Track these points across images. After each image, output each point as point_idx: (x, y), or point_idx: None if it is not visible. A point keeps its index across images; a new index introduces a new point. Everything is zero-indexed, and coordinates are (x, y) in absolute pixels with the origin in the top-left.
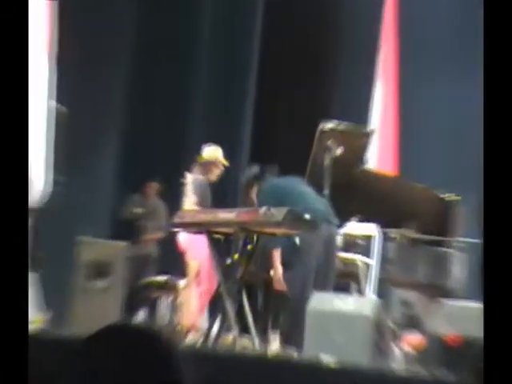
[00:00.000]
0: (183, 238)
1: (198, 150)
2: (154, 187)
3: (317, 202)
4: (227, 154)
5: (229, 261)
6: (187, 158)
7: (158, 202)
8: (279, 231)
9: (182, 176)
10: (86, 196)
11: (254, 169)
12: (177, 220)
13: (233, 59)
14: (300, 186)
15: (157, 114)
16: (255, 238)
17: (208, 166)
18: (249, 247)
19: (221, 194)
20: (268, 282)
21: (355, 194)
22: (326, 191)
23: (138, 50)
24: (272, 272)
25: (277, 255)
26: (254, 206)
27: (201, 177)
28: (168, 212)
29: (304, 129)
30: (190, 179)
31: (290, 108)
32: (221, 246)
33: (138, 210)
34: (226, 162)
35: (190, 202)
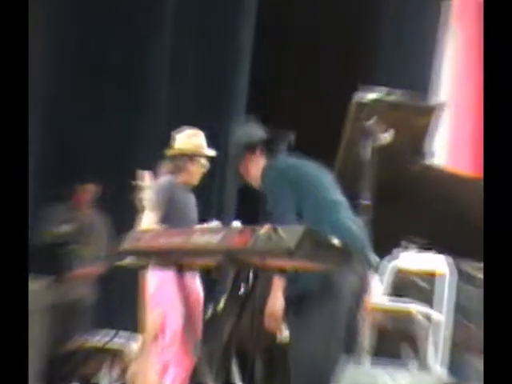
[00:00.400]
0: (141, 275)
1: (164, 137)
2: (87, 193)
3: (349, 216)
4: (213, 142)
5: (209, 312)
6: (146, 148)
7: (96, 216)
8: (290, 264)
9: (134, 177)
10: None
11: (258, 129)
12: (127, 246)
13: None
14: (328, 180)
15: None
16: (251, 274)
17: (183, 161)
18: (242, 290)
19: (202, 204)
20: (271, 346)
21: (412, 205)
22: (365, 200)
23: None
24: (269, 305)
25: (279, 284)
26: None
27: (169, 178)
28: (112, 232)
29: (331, 100)
30: (151, 182)
31: (306, 69)
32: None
33: (64, 229)
34: (212, 153)
35: (149, 217)
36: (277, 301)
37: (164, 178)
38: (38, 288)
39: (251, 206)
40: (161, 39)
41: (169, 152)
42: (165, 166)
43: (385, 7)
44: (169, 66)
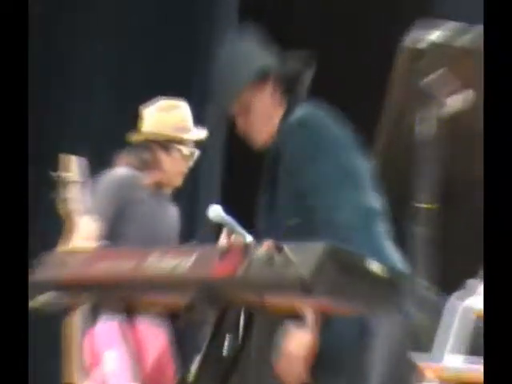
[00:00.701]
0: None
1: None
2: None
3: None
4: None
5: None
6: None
7: None
8: (304, 303)
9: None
10: None
11: (267, 50)
12: (45, 275)
13: None
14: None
15: None
16: (242, 320)
17: (153, 151)
18: (226, 346)
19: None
20: None
21: None
22: (424, 203)
23: None
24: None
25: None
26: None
27: (126, 173)
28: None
29: (371, 43)
30: (80, 171)
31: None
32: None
33: None
34: (199, 135)
35: (84, 231)
36: (307, 339)
37: (117, 172)
38: None
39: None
40: None
41: (132, 137)
42: (124, 158)
43: None
44: None
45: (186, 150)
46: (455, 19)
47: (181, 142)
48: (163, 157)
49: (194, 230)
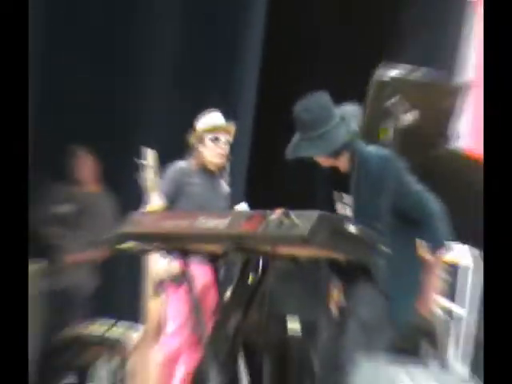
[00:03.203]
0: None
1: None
2: (87, 166)
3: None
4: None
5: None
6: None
7: (99, 194)
8: (304, 252)
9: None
10: None
11: (352, 119)
12: (128, 229)
13: None
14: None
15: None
16: (261, 263)
17: (194, 144)
18: (250, 280)
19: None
20: (282, 340)
21: (436, 192)
22: None
23: None
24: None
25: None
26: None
27: (179, 164)
28: (117, 214)
29: (351, 79)
30: (155, 162)
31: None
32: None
33: (63, 209)
34: (233, 129)
35: (154, 202)
36: (435, 284)
37: (175, 164)
38: (32, 272)
39: (260, 190)
40: None
41: (195, 135)
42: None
43: None
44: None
45: (220, 137)
46: (408, 63)
47: (210, 136)
48: (200, 148)
49: None
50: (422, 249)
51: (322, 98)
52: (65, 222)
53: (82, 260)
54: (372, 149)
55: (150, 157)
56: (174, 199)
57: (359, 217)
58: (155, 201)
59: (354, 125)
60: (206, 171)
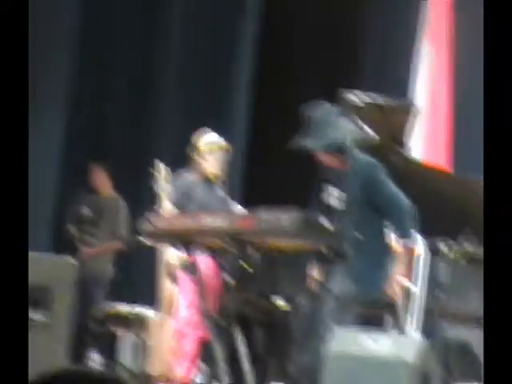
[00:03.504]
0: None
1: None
2: (102, 175)
3: None
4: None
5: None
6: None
7: (114, 198)
8: (290, 245)
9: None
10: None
11: (352, 124)
12: (145, 227)
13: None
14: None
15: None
16: (255, 253)
17: (195, 158)
18: (246, 266)
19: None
20: (272, 315)
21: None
22: None
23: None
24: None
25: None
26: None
27: (185, 175)
28: (129, 214)
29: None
30: (165, 173)
31: (296, 80)
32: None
33: (84, 212)
34: (229, 147)
35: (165, 208)
36: (402, 268)
37: (181, 176)
38: (71, 264)
39: (255, 192)
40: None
41: (199, 150)
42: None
43: (367, 18)
44: (181, 63)
45: (209, 156)
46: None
47: (209, 151)
48: (200, 160)
49: None
50: (392, 239)
51: (330, 106)
52: (86, 221)
53: (99, 252)
54: (362, 156)
55: (161, 168)
56: (182, 205)
57: (342, 209)
58: (166, 205)
59: (351, 135)
60: (207, 181)
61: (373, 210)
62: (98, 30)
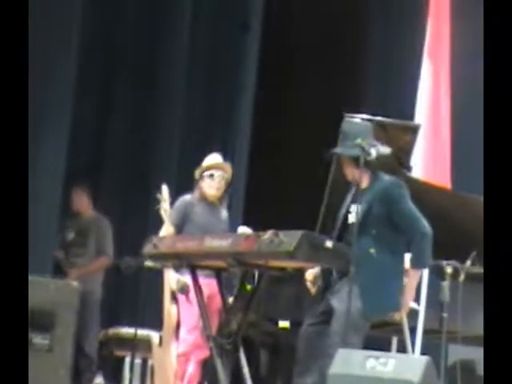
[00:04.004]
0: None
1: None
2: (81, 198)
3: None
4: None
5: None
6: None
7: (96, 217)
8: (290, 265)
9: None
10: None
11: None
12: (149, 250)
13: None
14: None
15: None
16: (257, 274)
17: (197, 180)
18: (248, 288)
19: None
20: (276, 336)
21: None
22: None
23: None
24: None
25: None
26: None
27: (186, 196)
28: (113, 231)
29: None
30: (168, 195)
31: (303, 101)
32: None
33: (70, 236)
34: (228, 168)
35: (167, 228)
36: (412, 293)
37: (183, 197)
38: (75, 288)
39: (257, 213)
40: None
41: (204, 168)
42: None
43: (369, 44)
44: (182, 84)
45: (214, 173)
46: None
47: (208, 173)
48: (200, 182)
49: None
50: (406, 259)
51: (364, 122)
52: (71, 244)
53: (86, 272)
54: (387, 176)
55: (164, 191)
56: (180, 226)
57: (359, 223)
58: (166, 227)
59: (377, 152)
60: (207, 201)
61: (391, 228)
62: (99, 43)
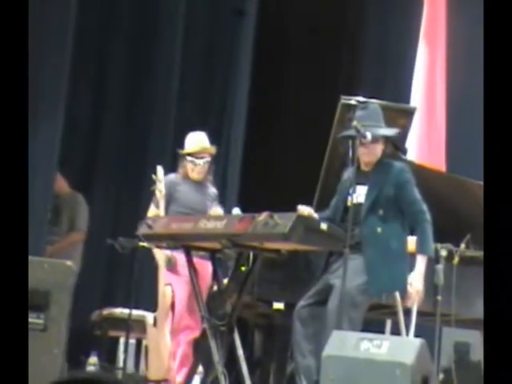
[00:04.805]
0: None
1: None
2: (60, 179)
3: None
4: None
5: (215, 287)
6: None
7: (71, 194)
8: (285, 247)
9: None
10: None
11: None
12: (144, 231)
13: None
14: None
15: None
16: (251, 256)
17: (182, 160)
18: (243, 269)
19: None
20: (271, 318)
21: None
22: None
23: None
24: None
25: (423, 261)
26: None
27: (171, 175)
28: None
29: (319, 108)
30: (162, 175)
31: (299, 85)
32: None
33: (48, 214)
34: (213, 150)
35: (160, 208)
36: (421, 278)
37: (166, 176)
38: (69, 267)
39: (251, 195)
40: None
41: (185, 152)
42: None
43: (367, 29)
44: (178, 70)
45: (195, 160)
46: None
47: (193, 154)
48: (185, 162)
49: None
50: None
51: (377, 108)
52: (48, 223)
53: (60, 248)
54: (393, 161)
55: (159, 172)
56: (165, 206)
57: (370, 203)
58: (151, 209)
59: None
60: (191, 180)
61: (396, 210)
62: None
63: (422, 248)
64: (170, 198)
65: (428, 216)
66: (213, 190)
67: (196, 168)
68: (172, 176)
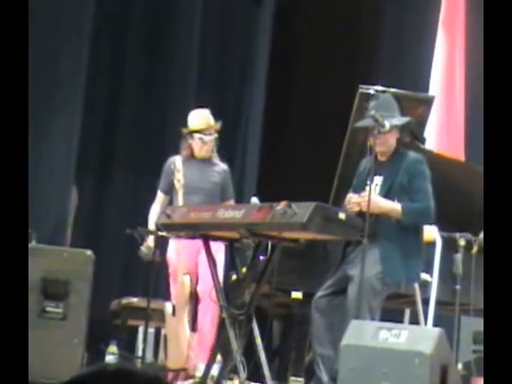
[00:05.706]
0: (171, 245)
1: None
2: None
3: None
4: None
5: (233, 277)
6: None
7: None
8: (303, 236)
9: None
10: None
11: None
12: (161, 220)
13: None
14: None
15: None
16: (270, 245)
17: (186, 138)
18: (261, 258)
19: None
20: (289, 307)
21: None
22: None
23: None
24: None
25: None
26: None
27: (174, 157)
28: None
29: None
30: (181, 168)
31: (317, 74)
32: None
33: None
34: (218, 126)
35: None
36: (380, 203)
37: (168, 159)
38: (88, 256)
39: (269, 184)
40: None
41: (186, 131)
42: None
43: (385, 18)
44: (195, 59)
45: (204, 137)
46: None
47: (199, 132)
48: (190, 141)
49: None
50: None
51: (392, 98)
52: None
53: None
54: (411, 152)
55: (178, 162)
56: (169, 191)
57: (384, 193)
58: (158, 195)
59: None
60: (197, 159)
61: (411, 199)
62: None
63: (405, 206)
64: (170, 182)
65: (432, 213)
66: (222, 167)
67: (205, 145)
68: (172, 158)
